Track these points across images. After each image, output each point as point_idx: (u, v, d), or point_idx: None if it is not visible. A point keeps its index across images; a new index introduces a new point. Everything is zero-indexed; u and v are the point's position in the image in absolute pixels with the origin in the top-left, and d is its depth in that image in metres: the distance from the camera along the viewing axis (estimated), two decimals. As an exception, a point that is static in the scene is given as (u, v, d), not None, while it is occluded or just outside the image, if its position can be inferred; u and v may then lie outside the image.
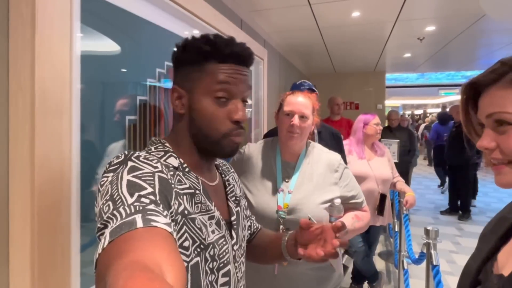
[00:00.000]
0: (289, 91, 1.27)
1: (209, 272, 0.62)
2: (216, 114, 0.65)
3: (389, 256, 3.33)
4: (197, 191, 0.64)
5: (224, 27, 1.66)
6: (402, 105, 18.04)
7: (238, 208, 0.77)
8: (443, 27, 3.06)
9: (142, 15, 1.08)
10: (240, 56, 0.66)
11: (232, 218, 0.73)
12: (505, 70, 0.51)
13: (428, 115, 15.09)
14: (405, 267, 2.43)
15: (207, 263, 0.62)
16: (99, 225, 0.47)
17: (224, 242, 0.67)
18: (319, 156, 1.23)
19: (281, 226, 1.10)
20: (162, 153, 0.66)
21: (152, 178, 0.54)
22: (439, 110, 10.35)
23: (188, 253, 0.58)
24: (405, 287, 2.29)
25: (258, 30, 2.80)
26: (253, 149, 1.25)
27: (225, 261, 0.66)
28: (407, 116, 13.39)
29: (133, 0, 1.03)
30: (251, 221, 0.93)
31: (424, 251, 1.52)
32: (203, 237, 0.61)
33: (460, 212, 4.66)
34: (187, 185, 0.63)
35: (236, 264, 0.71)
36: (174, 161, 0.65)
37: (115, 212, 0.46)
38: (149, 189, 0.51)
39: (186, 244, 0.58)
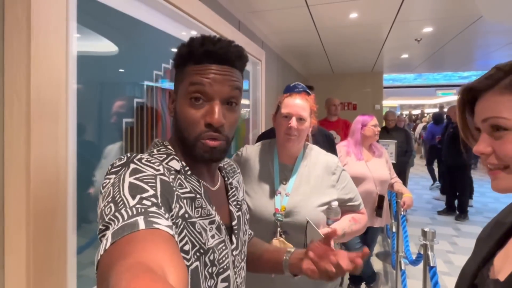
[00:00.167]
0: (283, 93, 1.26)
1: (208, 277, 0.62)
2: (190, 117, 0.63)
3: (386, 256, 3.33)
4: (198, 195, 0.64)
5: (221, 28, 1.66)
6: (400, 106, 18.11)
7: (240, 212, 0.76)
8: (440, 28, 3.07)
9: (139, 17, 1.08)
10: (218, 55, 0.63)
11: (233, 223, 0.72)
12: (500, 76, 0.52)
13: (425, 115, 15.15)
14: (403, 268, 2.43)
15: (206, 267, 0.61)
16: (100, 227, 0.47)
17: (223, 247, 0.66)
18: (317, 158, 1.22)
19: (278, 229, 1.10)
20: (165, 155, 0.66)
21: (154, 181, 0.54)
22: (436, 110, 10.38)
23: (188, 257, 0.58)
24: (402, 288, 2.30)
25: (256, 31, 2.79)
26: (251, 151, 1.25)
27: (225, 267, 0.65)
28: (404, 116, 13.45)
29: (130, 2, 1.03)
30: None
31: (422, 252, 1.53)
32: (203, 241, 0.61)
33: (458, 212, 4.69)
34: (188, 189, 0.63)
35: (235, 270, 0.70)
36: (176, 164, 0.65)
37: (117, 214, 0.46)
38: (151, 192, 0.51)
39: (186, 247, 0.58)
